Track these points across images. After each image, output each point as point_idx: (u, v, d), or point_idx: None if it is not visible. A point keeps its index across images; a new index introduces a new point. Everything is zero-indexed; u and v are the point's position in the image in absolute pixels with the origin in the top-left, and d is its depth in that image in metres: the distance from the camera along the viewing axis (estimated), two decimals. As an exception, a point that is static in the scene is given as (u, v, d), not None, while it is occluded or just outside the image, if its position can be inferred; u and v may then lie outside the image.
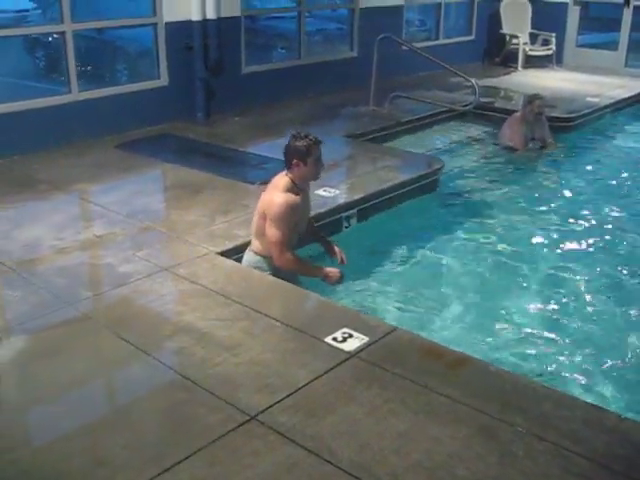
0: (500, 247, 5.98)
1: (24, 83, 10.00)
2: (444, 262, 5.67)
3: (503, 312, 4.94)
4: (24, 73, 10.59)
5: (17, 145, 7.04)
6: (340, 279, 4.72)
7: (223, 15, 8.59)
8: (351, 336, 3.81)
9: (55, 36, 8.24)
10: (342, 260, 4.92)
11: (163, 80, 8.37)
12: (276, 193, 4.56)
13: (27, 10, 13.74)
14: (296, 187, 4.60)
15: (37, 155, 7.04)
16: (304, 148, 4.52)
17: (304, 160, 4.52)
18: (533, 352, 4.48)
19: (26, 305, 4.22)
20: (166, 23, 8.20)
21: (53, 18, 8.04)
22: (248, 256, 4.78)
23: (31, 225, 5.43)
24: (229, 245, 5.04)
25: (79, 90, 7.63)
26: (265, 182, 6.13)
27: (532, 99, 8.39)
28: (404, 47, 9.99)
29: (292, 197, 4.54)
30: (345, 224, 5.91)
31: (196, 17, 8.32)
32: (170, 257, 4.91)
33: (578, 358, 4.42)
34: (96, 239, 5.18)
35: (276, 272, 4.64)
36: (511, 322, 4.82)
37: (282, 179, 4.63)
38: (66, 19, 7.41)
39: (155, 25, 8.21)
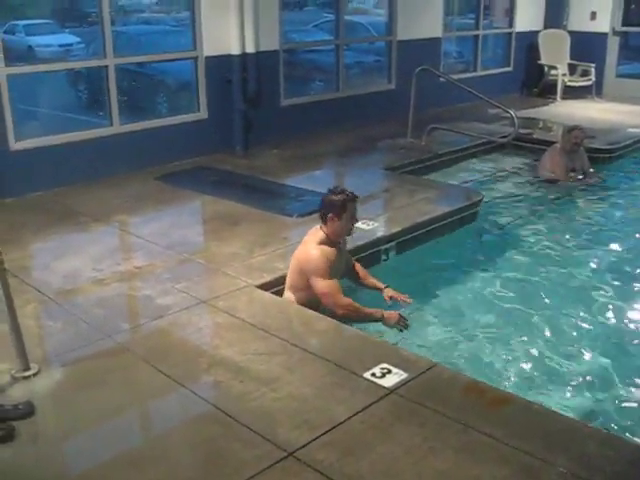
0: (542, 280, 5.87)
1: (66, 116, 10.21)
2: (484, 295, 5.58)
3: (545, 349, 4.82)
4: (67, 106, 10.82)
5: (59, 178, 7.14)
6: (400, 321, 4.74)
7: (262, 49, 8.68)
8: (390, 372, 3.76)
9: (97, 69, 8.39)
10: (404, 300, 4.93)
11: (202, 113, 8.47)
12: (311, 246, 4.67)
13: (71, 44, 14.06)
14: (330, 241, 4.69)
15: (78, 187, 7.14)
16: (340, 203, 4.63)
17: (339, 215, 4.63)
18: (578, 391, 4.35)
19: (65, 336, 4.25)
20: (206, 57, 8.31)
21: (96, 52, 8.20)
22: None
23: (71, 256, 5.48)
24: (268, 278, 5.03)
25: (120, 123, 7.74)
26: (303, 214, 6.19)
27: (571, 129, 8.36)
28: (442, 79, 9.99)
29: (327, 249, 4.66)
30: (384, 256, 5.88)
31: (235, 51, 8.42)
32: (208, 290, 4.91)
33: (625, 399, 4.30)
34: (135, 270, 5.21)
35: None
36: (553, 359, 4.71)
37: (316, 233, 4.75)
38: (108, 53, 7.55)
39: (195, 59, 8.33)
